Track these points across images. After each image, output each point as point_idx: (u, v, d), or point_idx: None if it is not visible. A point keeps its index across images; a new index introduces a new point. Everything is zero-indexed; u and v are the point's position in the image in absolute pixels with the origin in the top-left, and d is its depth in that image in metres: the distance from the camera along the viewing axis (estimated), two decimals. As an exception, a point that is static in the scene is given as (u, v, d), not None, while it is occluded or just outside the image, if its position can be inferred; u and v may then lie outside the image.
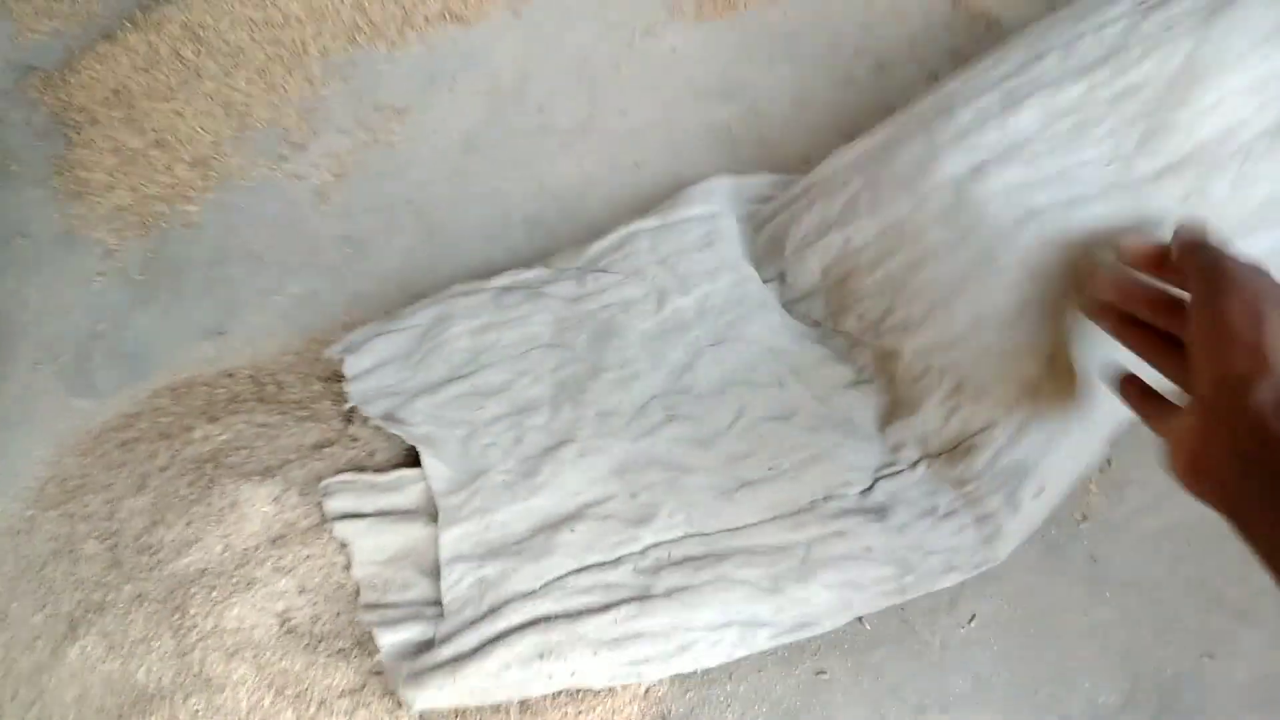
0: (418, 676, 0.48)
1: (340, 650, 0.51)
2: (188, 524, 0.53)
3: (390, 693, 0.50)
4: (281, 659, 0.50)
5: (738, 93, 0.79)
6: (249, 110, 0.80)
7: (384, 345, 0.59)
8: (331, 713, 0.49)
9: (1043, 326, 0.52)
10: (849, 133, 0.77)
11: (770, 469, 0.54)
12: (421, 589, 0.52)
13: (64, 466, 0.64)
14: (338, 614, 0.51)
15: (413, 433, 0.54)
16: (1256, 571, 0.38)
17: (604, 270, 0.63)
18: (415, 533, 0.54)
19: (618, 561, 0.51)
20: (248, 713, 0.49)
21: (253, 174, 0.78)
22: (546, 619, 0.50)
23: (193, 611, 0.51)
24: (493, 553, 0.51)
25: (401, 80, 0.81)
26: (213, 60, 0.81)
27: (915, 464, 0.55)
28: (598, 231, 0.70)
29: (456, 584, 0.50)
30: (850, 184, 0.60)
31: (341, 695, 0.50)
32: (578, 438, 0.54)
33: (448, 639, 0.49)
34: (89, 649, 0.52)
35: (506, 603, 0.50)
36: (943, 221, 0.55)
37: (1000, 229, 0.53)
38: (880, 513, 0.53)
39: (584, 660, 0.48)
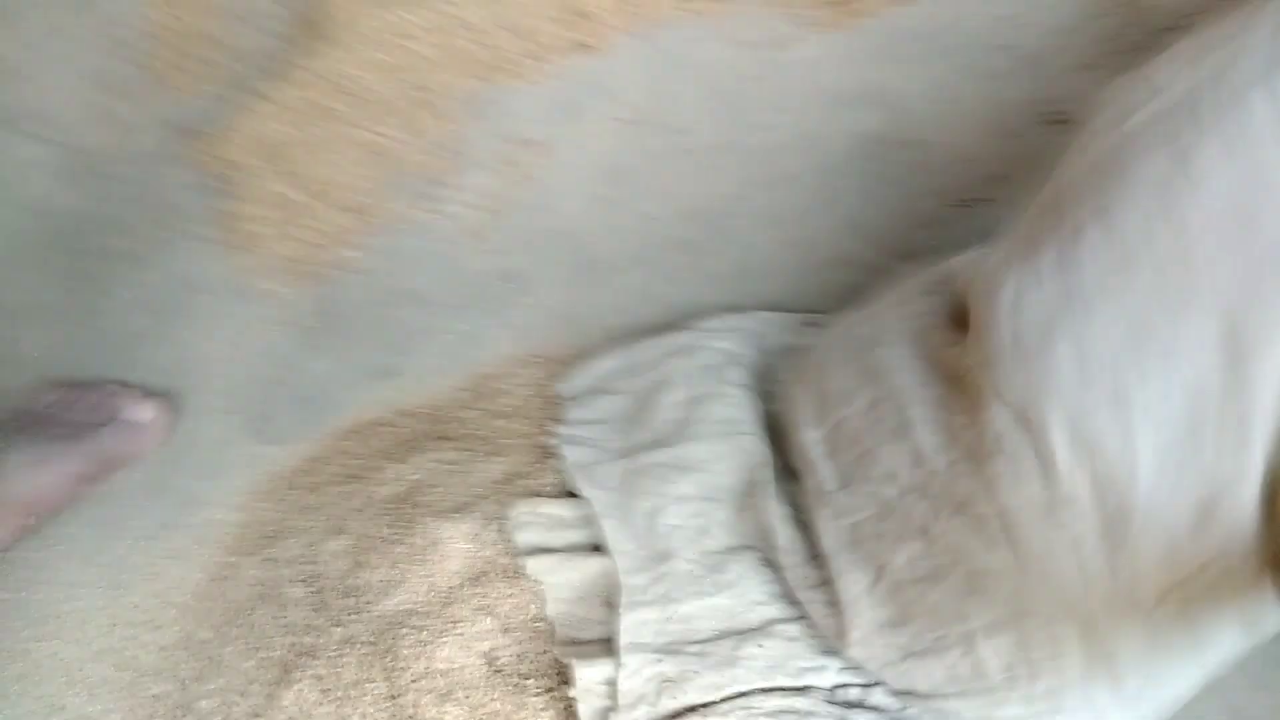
0: None
1: (548, 689, 0.51)
2: (392, 565, 0.54)
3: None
4: (491, 699, 0.51)
5: (879, 98, 0.78)
6: (398, 155, 0.82)
7: (606, 404, 0.58)
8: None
9: None
10: (1007, 129, 0.74)
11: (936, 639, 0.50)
12: (611, 625, 0.51)
13: (258, 512, 0.67)
14: (542, 652, 0.52)
15: (600, 499, 0.53)
16: None
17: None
18: (601, 567, 0.53)
19: (806, 690, 0.48)
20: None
21: (409, 217, 0.80)
22: None
23: (403, 653, 0.52)
24: (673, 648, 0.49)
25: (538, 113, 0.82)
26: (358, 110, 0.83)
27: None
28: (750, 249, 0.69)
29: (634, 675, 0.48)
30: None
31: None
32: (761, 548, 0.52)
33: None
34: (304, 693, 0.54)
35: (685, 712, 0.47)
36: None
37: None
38: None
39: None
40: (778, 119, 0.78)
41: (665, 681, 0.48)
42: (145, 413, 0.71)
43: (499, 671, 0.51)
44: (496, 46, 0.83)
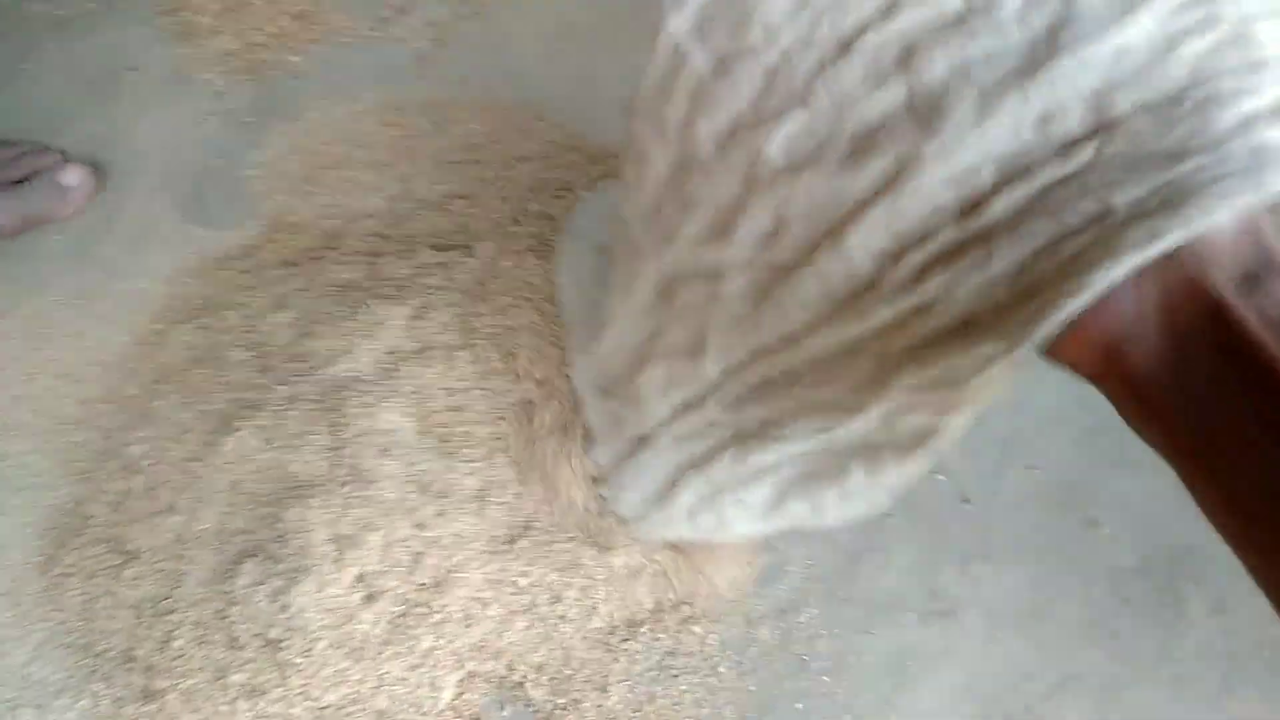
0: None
1: (469, 459, 0.57)
2: (339, 336, 0.58)
3: (517, 493, 0.56)
4: (424, 460, 0.56)
5: None
6: (352, -31, 0.82)
7: None
8: (463, 511, 0.56)
9: None
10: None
11: None
12: None
13: (188, 287, 0.69)
14: (475, 422, 0.57)
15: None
16: None
17: None
18: None
19: (702, 401, 0.46)
20: (395, 503, 0.55)
21: (356, 33, 0.81)
22: (679, 466, 0.48)
23: (348, 412, 0.56)
24: (606, 391, 0.53)
25: (502, -44, 0.84)
26: (316, -83, 0.83)
27: None
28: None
29: (596, 413, 0.53)
30: None
31: (471, 498, 0.56)
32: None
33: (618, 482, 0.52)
34: (246, 440, 0.57)
35: (641, 446, 0.49)
36: None
37: None
38: None
39: (731, 512, 0.47)
40: None
41: (614, 417, 0.51)
42: (70, 176, 0.71)
43: (430, 435, 0.57)
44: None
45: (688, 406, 0.47)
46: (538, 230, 0.63)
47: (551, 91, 0.79)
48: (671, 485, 0.49)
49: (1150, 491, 0.63)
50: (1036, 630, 0.60)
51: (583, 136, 0.77)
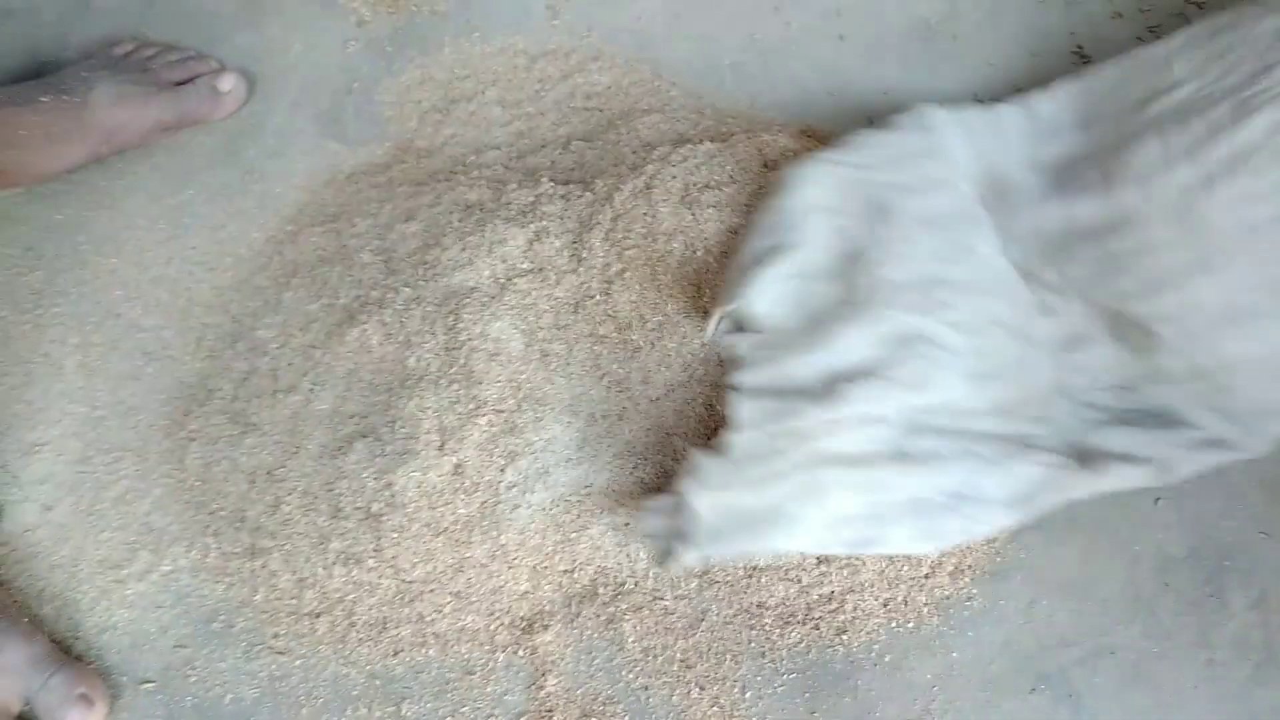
0: (702, 480, 0.56)
1: (567, 374, 0.62)
2: (462, 249, 0.63)
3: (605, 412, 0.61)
4: (527, 369, 0.61)
5: (940, -8, 0.87)
6: (498, -80, 0.87)
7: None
8: (557, 421, 0.61)
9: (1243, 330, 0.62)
10: (1035, 51, 0.85)
11: (997, 371, 0.63)
12: None
13: (320, 194, 0.74)
14: (571, 343, 0.62)
15: (753, 309, 0.61)
16: None
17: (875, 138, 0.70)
18: None
19: (883, 421, 0.58)
20: (496, 401, 0.60)
21: (496, -21, 0.86)
22: (819, 460, 0.56)
23: (465, 317, 0.61)
24: (779, 393, 0.59)
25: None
26: None
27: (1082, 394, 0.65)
28: (798, 86, 0.79)
29: (746, 410, 0.57)
30: (1076, 164, 0.67)
31: (565, 409, 0.61)
32: (858, 302, 0.61)
33: (732, 454, 0.57)
34: (368, 333, 0.63)
35: (787, 434, 0.57)
36: (1168, 221, 0.62)
37: (1223, 239, 0.61)
38: (1060, 427, 0.63)
39: (841, 500, 0.56)
40: (846, -11, 0.86)
41: (769, 413, 0.57)
42: (224, 82, 0.77)
43: (537, 349, 0.61)
44: None
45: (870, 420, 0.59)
46: (654, 172, 0.67)
47: (671, 50, 0.83)
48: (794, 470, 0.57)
49: (1205, 488, 0.65)
50: (1079, 601, 0.63)
51: (699, 96, 0.81)
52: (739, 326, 0.62)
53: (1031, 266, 0.68)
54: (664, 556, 0.57)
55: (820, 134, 0.78)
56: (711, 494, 0.56)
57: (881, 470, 0.58)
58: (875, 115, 0.81)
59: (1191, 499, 0.66)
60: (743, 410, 0.58)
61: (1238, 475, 0.67)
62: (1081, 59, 0.86)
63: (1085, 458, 0.63)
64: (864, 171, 0.68)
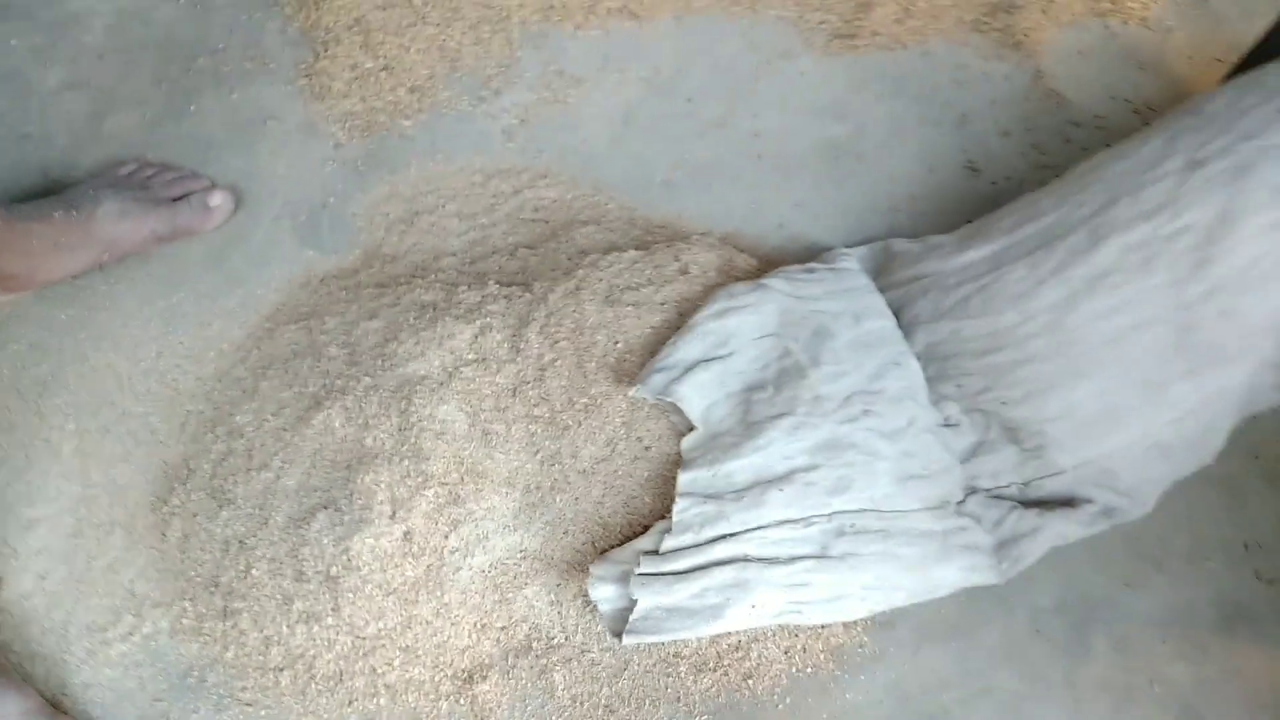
0: (643, 579, 0.65)
1: (505, 451, 0.71)
2: (415, 343, 0.73)
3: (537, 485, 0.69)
4: (469, 446, 0.70)
5: (848, 116, 0.99)
6: (460, 57, 1.00)
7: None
8: (495, 492, 0.69)
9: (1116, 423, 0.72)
10: (933, 166, 0.97)
11: (925, 469, 0.72)
12: None
13: (298, 296, 0.84)
14: (510, 424, 0.71)
15: (690, 409, 0.71)
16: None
17: (808, 274, 0.81)
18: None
19: (809, 522, 0.67)
20: (442, 475, 0.69)
21: (457, 107, 0.98)
22: (745, 560, 0.66)
23: (416, 403, 0.70)
24: (715, 496, 0.68)
25: (582, 56, 1.01)
26: (435, 11, 1.01)
27: (987, 491, 0.75)
28: (720, 200, 0.91)
29: (684, 512, 0.67)
30: (962, 288, 0.78)
31: (503, 483, 0.70)
32: (795, 413, 0.70)
33: (669, 554, 0.66)
34: (331, 418, 0.72)
35: (717, 539, 0.66)
36: (1042, 336, 0.73)
37: (1091, 349, 0.71)
38: (976, 519, 0.72)
39: (764, 596, 0.65)
40: (765, 111, 0.99)
41: (704, 517, 0.66)
42: (214, 198, 0.88)
43: (479, 429, 0.70)
44: (553, -6, 1.02)
45: (794, 523, 0.68)
46: (584, 276, 0.77)
47: (611, 169, 0.95)
48: (720, 565, 0.66)
49: (1074, 545, 0.74)
50: (959, 647, 0.71)
51: (633, 209, 0.92)
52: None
53: (929, 381, 0.77)
54: (612, 627, 0.65)
55: (738, 243, 0.89)
56: (646, 592, 0.64)
57: (802, 571, 0.66)
58: (786, 225, 0.93)
59: (1062, 555, 0.74)
60: (681, 513, 0.66)
61: (1104, 534, 0.76)
62: (974, 172, 0.98)
63: (1004, 547, 0.72)
64: (805, 302, 0.78)
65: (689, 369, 0.70)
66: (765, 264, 0.86)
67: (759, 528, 0.66)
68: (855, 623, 0.70)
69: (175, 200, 0.87)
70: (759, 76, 1.01)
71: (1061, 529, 0.73)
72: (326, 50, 0.99)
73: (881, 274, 0.85)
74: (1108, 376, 0.72)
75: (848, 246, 0.89)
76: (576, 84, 1.00)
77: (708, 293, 0.75)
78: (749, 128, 0.98)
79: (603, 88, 0.99)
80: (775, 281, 0.77)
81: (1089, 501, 0.75)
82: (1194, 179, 0.70)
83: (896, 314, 0.81)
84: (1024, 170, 0.98)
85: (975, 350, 0.76)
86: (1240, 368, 0.71)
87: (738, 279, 0.78)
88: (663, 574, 0.65)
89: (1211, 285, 0.69)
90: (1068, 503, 0.75)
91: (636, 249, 0.80)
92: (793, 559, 0.66)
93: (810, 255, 0.89)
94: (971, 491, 0.75)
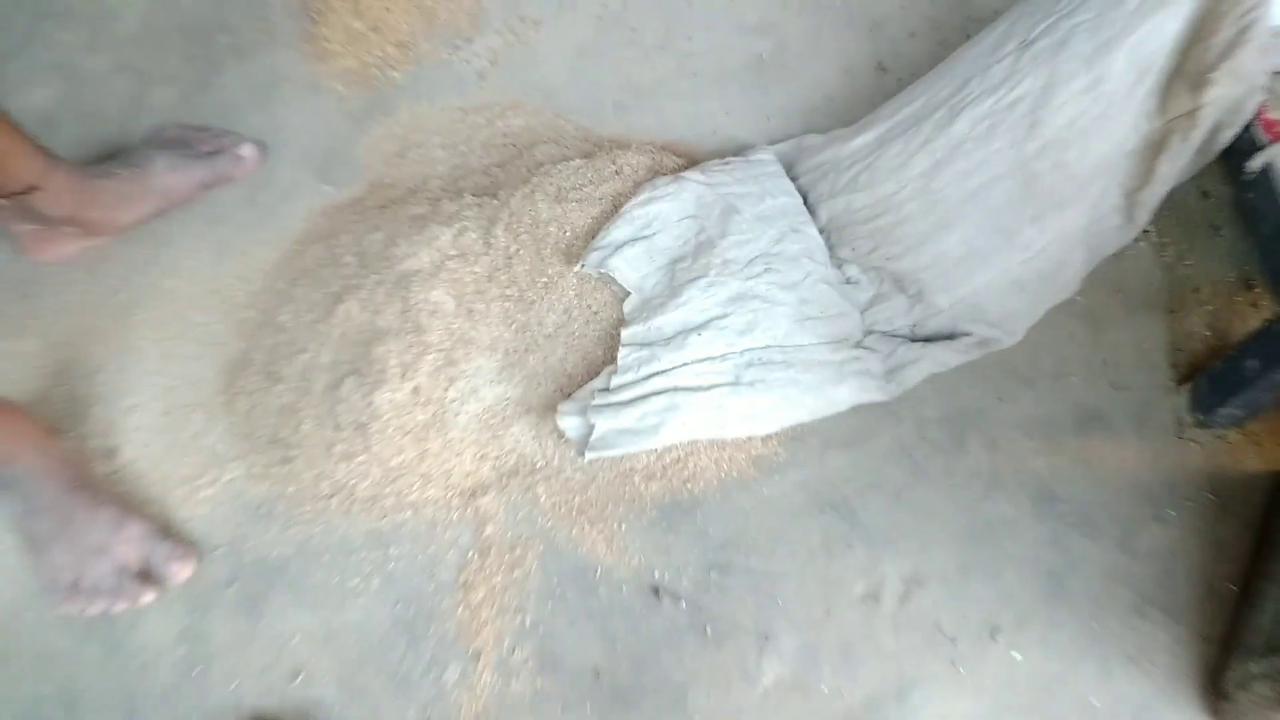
0: (598, 408, 0.83)
1: (486, 322, 0.90)
2: (410, 246, 0.92)
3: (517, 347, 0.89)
4: (457, 320, 0.90)
5: (771, 31, 1.15)
6: (435, 13, 1.17)
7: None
8: (480, 354, 0.89)
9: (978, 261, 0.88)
10: (848, 69, 1.12)
11: (822, 312, 0.90)
12: None
13: (316, 222, 1.04)
14: (487, 302, 0.90)
15: (624, 279, 0.89)
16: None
17: (722, 165, 0.99)
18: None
19: (724, 358, 0.86)
20: (437, 343, 0.88)
21: (436, 57, 1.16)
22: (674, 389, 0.84)
23: (413, 290, 0.90)
24: (649, 344, 0.86)
25: (539, 1, 1.18)
26: (413, -24, 1.19)
27: (884, 332, 0.92)
28: (667, 120, 1.08)
29: (626, 357, 0.85)
30: (853, 168, 0.94)
31: (486, 347, 0.89)
32: (707, 275, 0.88)
33: (617, 389, 0.84)
34: (350, 309, 0.92)
35: (652, 375, 0.85)
36: (915, 199, 0.90)
37: (953, 205, 0.88)
38: (873, 351, 0.90)
39: (691, 416, 0.83)
40: (700, 34, 1.15)
41: (641, 360, 0.84)
42: (244, 149, 1.07)
43: (464, 308, 0.90)
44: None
45: (712, 360, 0.85)
46: (538, 183, 0.96)
47: (569, 96, 1.12)
48: (656, 395, 0.85)
49: (956, 369, 0.92)
50: (858, 451, 0.90)
51: (588, 128, 1.10)
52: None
53: (832, 248, 0.95)
54: (581, 448, 0.85)
55: (677, 150, 1.07)
56: (601, 418, 0.83)
57: (719, 395, 0.84)
58: (719, 131, 1.10)
59: (946, 377, 0.92)
60: (624, 359, 0.85)
61: (984, 359, 0.93)
62: (883, 71, 1.14)
63: (892, 373, 0.90)
64: (716, 188, 0.96)
65: (619, 247, 0.89)
66: (696, 163, 1.03)
67: (684, 365, 0.85)
68: (771, 436, 0.89)
69: (212, 154, 1.07)
70: (692, 3, 1.18)
71: (942, 356, 0.91)
72: (323, 18, 1.17)
73: (795, 165, 1.02)
74: (968, 227, 0.89)
75: (770, 144, 1.06)
76: (536, 26, 1.17)
77: (638, 188, 0.93)
78: (685, 49, 1.15)
79: (559, 27, 1.17)
80: (692, 173, 0.95)
81: (966, 334, 0.92)
82: (1025, 56, 0.87)
83: (805, 195, 0.98)
84: (928, 66, 1.13)
85: (864, 218, 0.93)
86: (1077, 210, 0.88)
87: (664, 175, 0.96)
88: (612, 404, 0.84)
89: (1043, 143, 0.86)
90: (950, 336, 0.93)
91: (580, 157, 0.98)
92: (712, 386, 0.85)
93: (740, 154, 1.06)
94: (870, 332, 0.93)
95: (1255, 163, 0.78)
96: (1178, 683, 0.82)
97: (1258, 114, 0.79)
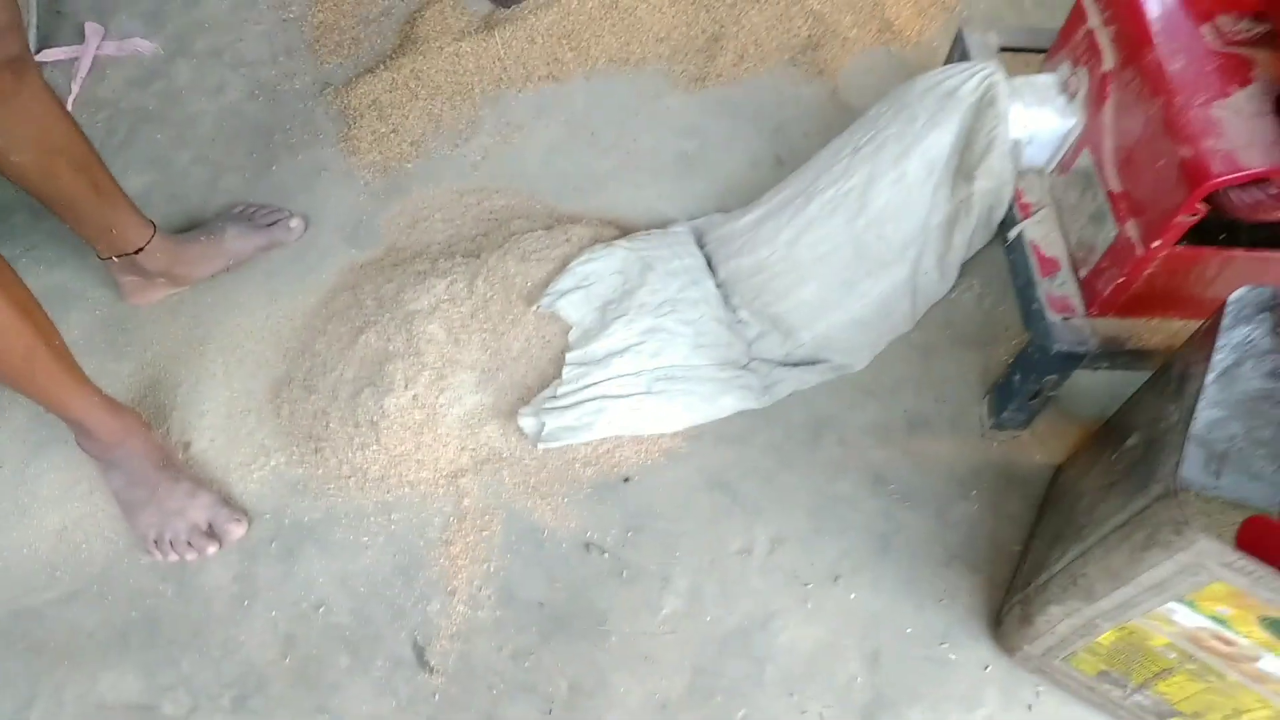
0: (548, 410, 1.16)
1: (471, 348, 1.22)
2: (414, 292, 1.25)
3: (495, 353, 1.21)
4: (448, 348, 1.22)
5: (697, 133, 1.49)
6: (441, 119, 1.53)
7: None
8: (463, 372, 1.21)
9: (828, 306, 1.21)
10: (753, 162, 1.46)
11: (713, 342, 1.22)
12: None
13: (345, 276, 1.38)
14: (471, 334, 1.23)
15: (569, 317, 1.21)
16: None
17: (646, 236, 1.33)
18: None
19: (639, 374, 1.18)
20: (432, 363, 1.20)
21: (441, 152, 1.50)
22: (603, 397, 1.16)
23: (414, 329, 1.22)
24: (585, 364, 1.18)
25: (522, 109, 1.53)
26: (424, 89, 1.54)
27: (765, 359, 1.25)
28: (615, 201, 1.42)
29: (569, 373, 1.17)
30: (742, 238, 1.28)
31: (468, 367, 1.21)
32: (628, 314, 1.20)
33: (561, 396, 1.16)
34: (369, 338, 1.24)
35: (588, 386, 1.16)
36: (783, 261, 1.23)
37: (809, 265, 1.21)
38: (753, 372, 1.22)
39: (615, 416, 1.15)
40: (644, 136, 1.50)
41: (579, 374, 1.19)
42: (293, 222, 1.41)
43: (452, 337, 1.22)
44: (506, 69, 1.55)
45: (629, 376, 1.18)
46: (509, 247, 1.29)
47: (541, 182, 1.46)
48: (590, 402, 1.17)
49: (819, 388, 1.22)
50: (740, 446, 1.20)
51: (554, 207, 1.44)
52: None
53: (728, 297, 1.28)
54: (535, 440, 1.16)
55: (617, 223, 1.40)
56: (550, 418, 1.15)
57: (636, 401, 1.16)
58: (652, 210, 1.43)
59: (810, 392, 1.23)
60: (567, 374, 1.18)
61: (840, 379, 1.24)
62: (780, 164, 1.47)
63: (767, 388, 1.21)
64: (638, 251, 1.29)
65: (565, 293, 1.22)
66: (628, 234, 1.36)
67: (610, 379, 1.17)
68: (676, 434, 1.20)
69: (269, 225, 1.41)
70: (639, 112, 1.52)
71: (805, 377, 1.22)
72: (356, 123, 1.53)
73: (704, 235, 1.35)
74: (820, 281, 1.21)
75: (689, 219, 1.39)
76: (519, 129, 1.52)
77: (581, 251, 1.27)
78: (632, 148, 1.49)
79: (536, 130, 1.52)
80: (622, 241, 1.28)
81: (825, 361, 1.24)
82: (856, 158, 1.20)
83: (710, 258, 1.31)
84: (817, 160, 1.46)
85: (748, 274, 1.26)
86: (900, 268, 1.20)
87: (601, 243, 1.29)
88: (558, 408, 1.16)
89: (868, 219, 1.18)
90: (812, 362, 1.24)
91: (544, 229, 1.31)
92: (631, 395, 1.16)
93: (663, 227, 1.39)
94: (754, 359, 1.25)
95: (1012, 232, 1.10)
96: (973, 616, 1.10)
97: (1016, 197, 1.11)
